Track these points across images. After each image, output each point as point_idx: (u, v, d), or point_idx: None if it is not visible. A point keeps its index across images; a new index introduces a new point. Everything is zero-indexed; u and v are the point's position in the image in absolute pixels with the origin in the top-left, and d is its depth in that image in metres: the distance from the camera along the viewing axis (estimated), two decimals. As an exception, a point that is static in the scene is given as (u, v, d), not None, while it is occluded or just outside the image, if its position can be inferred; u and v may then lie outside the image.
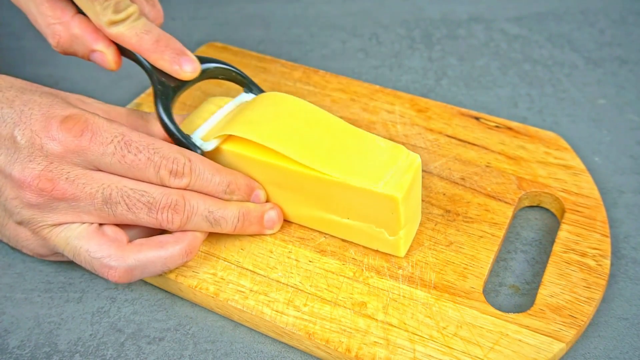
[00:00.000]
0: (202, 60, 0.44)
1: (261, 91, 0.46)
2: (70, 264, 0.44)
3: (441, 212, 0.44)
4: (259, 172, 0.42)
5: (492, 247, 0.42)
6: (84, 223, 0.39)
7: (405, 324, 0.38)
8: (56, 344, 0.40)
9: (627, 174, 0.50)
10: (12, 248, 0.45)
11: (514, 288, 0.42)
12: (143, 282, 0.43)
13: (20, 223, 0.39)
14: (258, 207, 0.42)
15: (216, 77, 0.45)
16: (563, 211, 0.44)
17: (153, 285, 0.43)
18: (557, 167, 0.47)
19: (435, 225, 0.43)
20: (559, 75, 0.61)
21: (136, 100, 0.55)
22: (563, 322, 0.37)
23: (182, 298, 0.42)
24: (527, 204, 0.46)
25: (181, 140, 0.41)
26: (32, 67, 0.63)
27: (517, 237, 0.45)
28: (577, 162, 0.47)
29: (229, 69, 0.45)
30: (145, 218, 0.39)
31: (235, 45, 0.62)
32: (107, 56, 0.43)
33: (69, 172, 0.38)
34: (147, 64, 0.43)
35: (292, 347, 0.39)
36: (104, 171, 0.39)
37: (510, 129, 0.50)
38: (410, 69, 0.62)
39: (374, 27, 0.68)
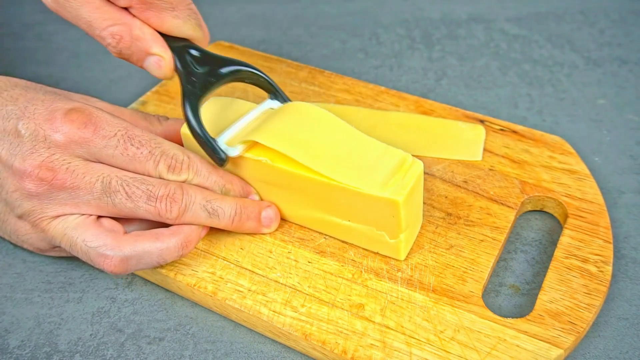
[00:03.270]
0: (230, 62, 0.43)
1: (287, 99, 0.45)
2: (70, 264, 0.44)
3: (442, 215, 0.44)
4: (259, 171, 0.42)
5: (493, 251, 0.42)
6: (83, 214, 0.39)
7: (402, 326, 0.38)
8: (56, 344, 0.40)
9: (627, 174, 0.50)
10: (13, 247, 0.45)
11: (514, 288, 0.42)
12: (143, 282, 0.43)
13: (20, 217, 0.40)
14: (255, 203, 0.43)
15: (243, 81, 0.44)
16: (566, 216, 0.44)
17: (153, 286, 0.43)
18: (561, 172, 0.47)
19: (436, 228, 0.43)
20: (559, 76, 0.61)
21: (141, 99, 0.55)
22: (562, 328, 0.37)
23: (182, 298, 0.42)
24: (530, 208, 0.46)
25: (206, 143, 0.40)
26: (32, 67, 0.63)
27: (518, 237, 0.45)
28: (581, 167, 0.47)
29: (257, 74, 0.44)
30: (144, 207, 0.39)
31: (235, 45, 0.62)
32: (166, 60, 0.41)
33: (69, 163, 0.38)
34: (178, 63, 0.42)
35: (291, 347, 0.39)
36: (105, 163, 0.39)
37: (515, 132, 0.50)
38: (410, 69, 0.62)
39: (374, 27, 0.69)
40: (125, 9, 0.40)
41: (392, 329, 0.38)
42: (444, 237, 0.43)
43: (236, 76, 0.43)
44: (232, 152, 0.41)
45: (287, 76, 0.56)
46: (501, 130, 0.50)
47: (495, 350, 0.36)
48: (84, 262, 0.44)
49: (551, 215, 0.46)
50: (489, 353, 0.36)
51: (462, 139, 0.49)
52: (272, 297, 0.40)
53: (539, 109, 0.57)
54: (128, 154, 0.39)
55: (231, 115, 0.44)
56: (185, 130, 0.43)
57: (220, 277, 0.41)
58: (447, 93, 0.59)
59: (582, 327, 0.37)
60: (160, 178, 0.40)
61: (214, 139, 0.40)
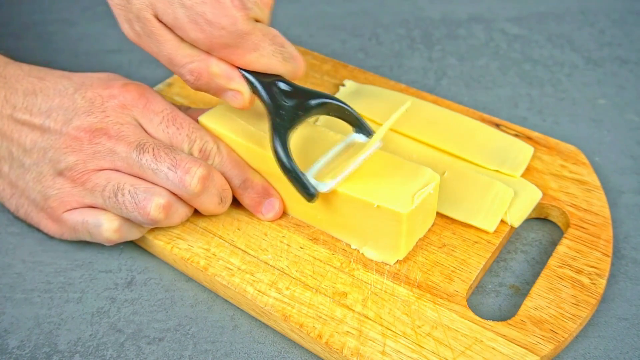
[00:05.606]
0: (317, 95, 0.42)
1: (371, 132, 0.42)
2: (70, 264, 0.44)
3: (440, 214, 0.44)
4: (256, 163, 0.44)
5: (485, 254, 0.42)
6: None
7: (381, 318, 0.38)
8: (56, 344, 0.40)
9: (627, 174, 0.50)
10: (13, 247, 0.45)
11: (514, 288, 0.42)
12: (143, 281, 0.43)
13: (60, 173, 0.41)
14: (261, 192, 0.44)
15: (329, 113, 0.43)
16: (568, 226, 0.44)
17: (153, 285, 0.43)
18: (570, 181, 0.46)
19: (432, 226, 0.43)
20: (559, 75, 0.61)
21: (168, 80, 0.57)
22: (542, 335, 0.37)
23: (181, 298, 0.42)
24: (533, 216, 0.46)
25: (297, 178, 0.39)
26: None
27: (518, 238, 0.45)
28: (592, 179, 0.46)
29: (343, 107, 0.42)
30: (164, 171, 0.40)
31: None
32: (244, 95, 0.42)
33: (122, 124, 0.42)
34: (263, 90, 0.41)
35: (290, 346, 0.39)
36: (148, 133, 0.43)
37: (530, 138, 0.50)
38: (410, 69, 0.62)
39: (374, 27, 0.69)
40: None
41: (370, 319, 0.38)
42: (438, 235, 0.43)
43: (323, 109, 0.42)
44: (322, 187, 0.40)
45: (311, 68, 0.58)
46: (516, 135, 0.50)
47: (470, 350, 0.36)
48: (83, 263, 0.44)
49: (555, 224, 0.46)
50: (463, 352, 0.36)
51: (508, 153, 0.48)
52: (259, 278, 0.41)
53: (539, 109, 0.57)
54: (169, 132, 0.42)
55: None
56: (203, 119, 0.45)
57: (214, 254, 0.42)
58: (447, 93, 0.59)
59: (563, 337, 0.37)
60: None
61: (303, 174, 0.39)
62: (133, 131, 0.41)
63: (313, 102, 0.42)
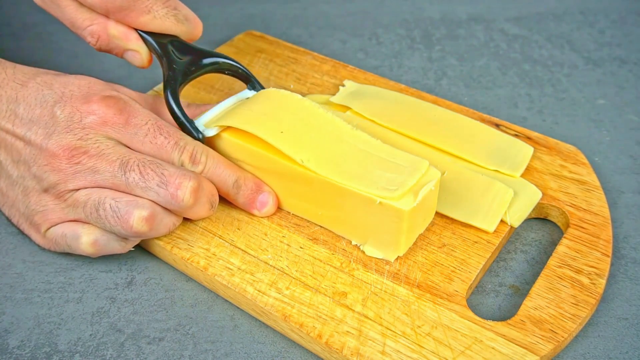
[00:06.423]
0: (212, 54, 0.47)
1: (263, 88, 0.48)
2: (70, 264, 0.44)
3: (440, 214, 0.44)
4: (255, 161, 0.44)
5: (485, 254, 0.42)
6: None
7: (380, 317, 0.38)
8: (56, 344, 0.40)
9: (627, 174, 0.50)
10: (13, 247, 0.45)
11: (513, 288, 0.42)
12: (143, 281, 0.43)
13: (46, 190, 0.41)
14: (254, 188, 0.44)
15: (222, 72, 0.48)
16: (567, 226, 0.44)
17: (153, 285, 0.43)
18: (570, 181, 0.46)
19: (431, 226, 0.43)
20: (558, 76, 0.61)
21: (155, 88, 0.57)
22: (542, 335, 0.37)
23: (181, 297, 0.42)
24: (533, 216, 0.46)
25: (185, 125, 0.43)
26: (31, 67, 0.63)
27: (517, 238, 0.45)
28: (592, 179, 0.46)
29: (235, 65, 0.48)
30: (154, 189, 0.40)
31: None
32: (142, 54, 0.47)
33: (101, 142, 0.41)
34: (158, 48, 0.46)
35: (290, 346, 0.39)
36: (133, 149, 0.42)
37: (529, 138, 0.50)
38: (410, 69, 0.62)
39: (374, 27, 0.69)
40: None
41: (370, 319, 0.38)
42: (438, 235, 0.43)
43: (216, 67, 0.47)
44: (209, 132, 0.44)
45: (311, 68, 0.58)
46: (516, 135, 0.50)
47: (470, 350, 0.36)
48: (83, 263, 0.44)
49: (554, 224, 0.46)
50: (463, 352, 0.36)
51: (507, 153, 0.48)
52: (259, 277, 0.41)
53: (539, 109, 0.57)
54: (157, 142, 0.41)
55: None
56: None
57: (214, 254, 0.42)
58: (447, 93, 0.59)
59: (562, 337, 0.37)
60: (182, 166, 0.42)
61: (192, 120, 0.44)
62: (113, 148, 0.40)
63: (206, 60, 0.47)
